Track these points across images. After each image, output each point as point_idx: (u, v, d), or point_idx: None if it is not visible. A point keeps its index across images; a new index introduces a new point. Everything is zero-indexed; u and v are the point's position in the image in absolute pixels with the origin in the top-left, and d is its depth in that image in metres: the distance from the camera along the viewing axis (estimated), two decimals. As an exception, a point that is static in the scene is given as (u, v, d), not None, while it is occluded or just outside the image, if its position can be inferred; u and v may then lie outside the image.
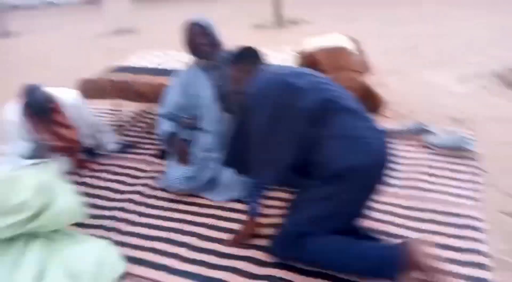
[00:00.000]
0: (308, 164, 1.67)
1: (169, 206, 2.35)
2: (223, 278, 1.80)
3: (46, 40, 7.84)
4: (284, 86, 1.66)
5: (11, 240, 1.75)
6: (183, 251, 1.98)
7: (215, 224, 2.16)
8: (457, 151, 2.56)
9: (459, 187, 2.28)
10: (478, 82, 3.82)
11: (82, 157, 2.88)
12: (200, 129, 2.50)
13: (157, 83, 2.95)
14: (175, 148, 2.41)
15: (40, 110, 2.49)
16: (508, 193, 2.25)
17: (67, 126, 2.66)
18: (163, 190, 2.49)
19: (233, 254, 1.94)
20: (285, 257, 1.77)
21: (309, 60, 2.67)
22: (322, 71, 2.62)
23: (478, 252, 1.80)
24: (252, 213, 1.89)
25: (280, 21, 7.12)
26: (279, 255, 1.79)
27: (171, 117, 2.45)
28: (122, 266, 1.88)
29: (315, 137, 1.62)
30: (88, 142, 2.91)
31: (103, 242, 1.97)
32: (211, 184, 2.39)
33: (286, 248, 1.73)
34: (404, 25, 6.27)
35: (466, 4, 7.46)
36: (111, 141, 3.04)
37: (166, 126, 2.44)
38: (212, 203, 2.34)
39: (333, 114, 1.62)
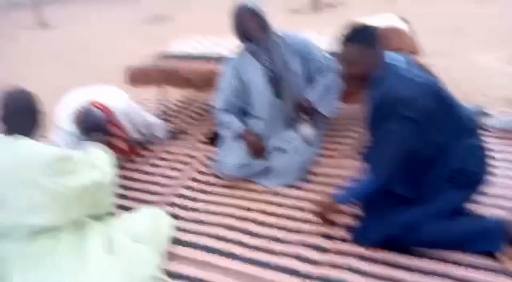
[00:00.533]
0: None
1: (224, 192, 2.38)
2: (283, 264, 1.81)
3: (85, 30, 8.00)
4: (439, 98, 1.68)
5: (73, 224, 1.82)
6: (241, 237, 2.00)
7: (270, 210, 2.17)
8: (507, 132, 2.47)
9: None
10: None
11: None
12: (252, 116, 2.51)
13: (205, 69, 2.96)
14: (250, 143, 2.39)
15: (97, 135, 2.35)
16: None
17: (122, 137, 2.61)
18: (215, 176, 2.52)
19: (290, 240, 1.95)
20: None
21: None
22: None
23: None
24: (340, 200, 1.84)
25: (317, 5, 6.98)
26: (376, 242, 1.80)
27: (228, 109, 2.47)
28: (172, 227, 2.03)
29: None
30: (138, 136, 2.92)
31: (152, 208, 2.11)
32: (265, 170, 2.39)
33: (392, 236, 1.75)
34: (448, 4, 6.01)
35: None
36: (161, 130, 3.08)
37: (236, 123, 2.44)
38: (265, 189, 2.35)
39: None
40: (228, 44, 3.38)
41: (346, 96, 2.58)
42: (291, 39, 2.41)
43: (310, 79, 2.45)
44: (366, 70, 1.69)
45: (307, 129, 2.46)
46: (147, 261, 1.77)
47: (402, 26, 2.69)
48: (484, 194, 1.96)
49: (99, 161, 1.93)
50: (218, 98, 2.51)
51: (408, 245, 1.77)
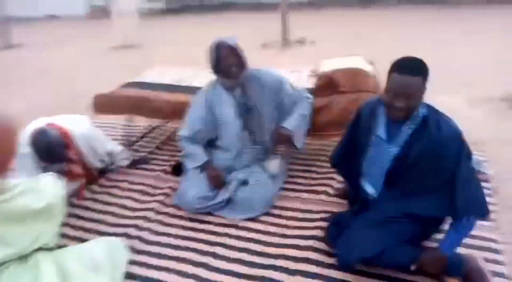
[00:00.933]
0: None
1: (184, 224, 2.34)
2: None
3: (52, 53, 7.92)
4: None
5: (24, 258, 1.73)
6: (200, 272, 1.96)
7: (231, 244, 2.15)
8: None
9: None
10: (488, 107, 3.86)
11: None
12: (220, 147, 2.53)
13: (175, 99, 2.98)
14: (210, 175, 2.42)
15: (51, 156, 2.32)
16: (521, 214, 2.26)
17: (79, 162, 2.55)
18: (176, 207, 2.49)
19: (249, 274, 1.93)
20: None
21: (328, 81, 2.69)
22: (341, 92, 2.66)
23: (499, 274, 1.80)
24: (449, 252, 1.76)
25: (286, 41, 7.22)
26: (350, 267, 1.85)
27: (194, 139, 2.49)
28: (128, 260, 1.99)
29: None
30: (98, 164, 2.86)
31: (109, 238, 2.06)
32: (227, 203, 2.39)
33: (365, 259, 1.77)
34: (411, 48, 6.33)
35: (474, 29, 7.56)
36: (123, 158, 3.04)
37: (199, 154, 2.48)
38: (226, 221, 2.34)
39: None
40: (200, 77, 3.44)
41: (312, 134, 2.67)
42: (265, 76, 2.48)
43: (285, 113, 2.51)
44: (418, 103, 1.69)
45: (275, 163, 2.50)
46: None
47: (367, 67, 2.81)
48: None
49: (46, 188, 1.81)
50: (185, 128, 2.53)
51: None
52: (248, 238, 2.19)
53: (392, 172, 1.82)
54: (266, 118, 2.47)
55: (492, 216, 2.21)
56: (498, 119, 3.57)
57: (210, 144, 2.57)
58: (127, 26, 8.12)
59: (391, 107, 1.68)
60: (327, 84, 2.70)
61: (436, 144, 1.66)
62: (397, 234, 1.78)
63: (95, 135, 2.75)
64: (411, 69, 1.62)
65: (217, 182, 2.41)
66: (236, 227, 2.29)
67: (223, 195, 2.37)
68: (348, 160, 2.06)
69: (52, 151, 2.31)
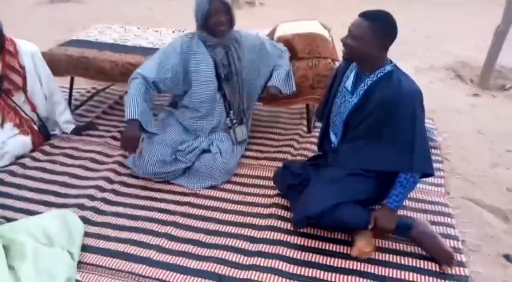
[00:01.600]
0: None
1: (141, 194, 2.24)
2: (207, 269, 1.75)
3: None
4: None
5: None
6: (162, 242, 1.89)
7: (193, 213, 2.09)
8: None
9: (426, 175, 2.38)
10: (434, 75, 4.01)
11: (37, 134, 2.67)
12: (184, 106, 2.40)
13: (122, 60, 2.77)
14: (126, 132, 2.16)
15: None
16: (467, 179, 2.41)
17: (21, 75, 2.54)
18: (132, 176, 2.36)
19: (212, 243, 1.89)
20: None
21: (286, 46, 2.61)
22: (300, 58, 2.61)
23: (451, 237, 1.91)
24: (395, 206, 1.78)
25: (236, 2, 6.96)
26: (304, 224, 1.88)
27: (153, 86, 2.27)
28: (82, 225, 1.91)
29: None
30: (42, 112, 2.72)
31: (62, 210, 1.95)
32: (185, 170, 2.30)
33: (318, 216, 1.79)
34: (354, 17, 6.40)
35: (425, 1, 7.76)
36: (67, 119, 2.84)
37: (135, 108, 2.14)
38: (185, 190, 2.27)
39: None
40: (148, 36, 3.22)
41: (269, 101, 2.63)
42: (246, 37, 2.41)
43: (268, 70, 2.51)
44: (365, 51, 1.71)
45: (240, 131, 2.44)
46: (66, 264, 1.63)
47: (323, 32, 2.76)
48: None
49: None
50: (148, 68, 2.25)
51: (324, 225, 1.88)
52: (209, 206, 2.14)
53: (351, 122, 1.87)
54: (243, 83, 2.40)
55: (441, 181, 2.35)
56: (444, 88, 3.73)
57: (172, 103, 2.45)
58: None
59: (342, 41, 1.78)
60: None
61: (394, 96, 1.70)
62: (351, 191, 1.82)
63: (41, 59, 2.68)
64: (365, 14, 1.71)
65: (129, 144, 2.16)
66: (196, 195, 2.22)
67: (183, 163, 2.27)
68: (324, 116, 2.10)
69: None
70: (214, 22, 2.19)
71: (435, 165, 2.41)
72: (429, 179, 2.33)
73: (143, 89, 2.20)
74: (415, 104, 1.69)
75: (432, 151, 2.63)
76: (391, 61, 1.79)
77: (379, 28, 1.67)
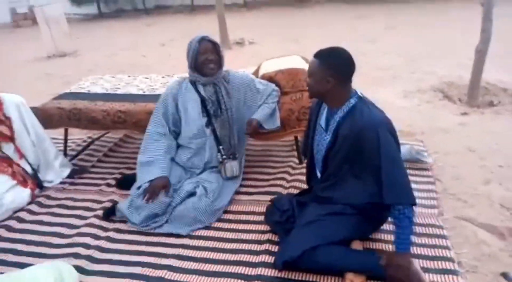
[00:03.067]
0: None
1: (135, 239, 2.24)
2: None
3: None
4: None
5: None
6: (156, 285, 1.88)
7: (187, 254, 2.08)
8: (413, 163, 2.69)
9: (419, 197, 2.37)
10: (421, 97, 4.08)
11: (32, 187, 2.72)
12: (180, 146, 2.49)
13: (113, 109, 2.84)
14: (156, 182, 2.26)
15: None
16: (460, 198, 2.40)
17: (7, 124, 2.67)
18: (125, 221, 2.38)
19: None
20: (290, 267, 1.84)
21: (270, 82, 2.69)
22: (284, 93, 2.68)
23: (447, 259, 1.88)
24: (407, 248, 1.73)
25: (226, 42, 7.19)
26: (286, 267, 1.83)
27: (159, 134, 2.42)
28: (76, 275, 1.90)
29: None
30: (31, 159, 2.79)
31: (55, 262, 1.94)
32: (174, 218, 2.29)
33: (298, 260, 1.77)
34: (343, 45, 6.57)
35: (399, 24, 7.98)
36: (62, 163, 2.93)
37: (157, 165, 2.33)
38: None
39: None
40: (139, 83, 3.32)
41: (260, 135, 2.68)
42: (235, 77, 2.52)
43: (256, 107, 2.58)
44: (321, 89, 1.79)
45: (231, 166, 2.46)
46: None
47: (306, 66, 2.84)
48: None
49: None
50: (156, 122, 2.44)
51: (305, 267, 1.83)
52: (203, 246, 2.13)
53: (329, 159, 1.90)
54: (233, 119, 2.47)
55: (435, 202, 2.34)
56: (433, 109, 3.78)
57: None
58: (57, 33, 7.66)
59: None
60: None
61: (356, 130, 1.73)
62: (329, 232, 1.80)
63: (26, 108, 2.79)
64: (317, 53, 1.81)
65: (156, 192, 2.24)
66: (190, 236, 2.22)
67: (166, 215, 2.28)
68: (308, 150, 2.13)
69: None
70: (203, 60, 2.32)
71: (427, 187, 2.49)
72: (422, 201, 2.34)
73: (165, 146, 2.39)
74: (378, 134, 1.69)
75: (424, 172, 2.66)
76: (356, 93, 1.82)
77: (329, 64, 1.75)
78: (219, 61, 2.38)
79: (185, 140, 2.45)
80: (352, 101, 1.79)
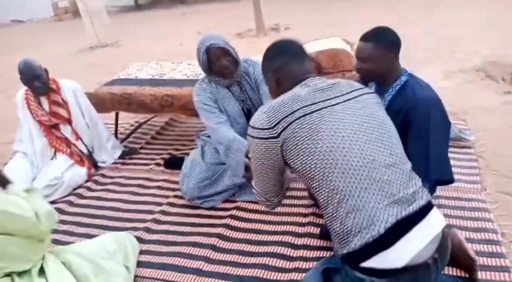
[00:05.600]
0: None
1: (187, 212, 2.40)
2: (251, 274, 1.86)
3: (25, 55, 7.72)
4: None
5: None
6: (209, 253, 2.03)
7: (237, 225, 2.22)
8: (456, 141, 2.70)
9: (462, 173, 2.41)
10: (463, 77, 4.02)
11: (89, 166, 2.94)
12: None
13: (160, 93, 3.00)
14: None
15: (31, 70, 2.71)
16: (503, 174, 2.40)
17: (65, 107, 2.89)
18: (177, 196, 2.54)
19: (257, 251, 2.01)
20: None
21: (312, 63, 2.75)
22: (325, 73, 2.74)
23: (490, 230, 1.93)
24: None
25: (261, 29, 7.25)
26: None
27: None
28: (137, 244, 2.07)
29: None
30: (86, 140, 2.99)
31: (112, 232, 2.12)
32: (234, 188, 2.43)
33: None
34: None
35: (438, 3, 7.77)
36: (114, 144, 3.15)
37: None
38: (227, 205, 2.40)
39: None
40: (182, 69, 3.46)
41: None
42: (253, 67, 2.45)
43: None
44: (380, 69, 1.81)
45: None
46: (122, 276, 1.78)
47: (346, 47, 2.90)
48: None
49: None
50: (208, 118, 2.34)
51: None
52: (250, 219, 2.26)
53: None
54: None
55: (477, 178, 2.37)
56: (475, 89, 3.73)
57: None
58: (99, 25, 7.98)
59: (355, 69, 1.87)
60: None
61: (408, 106, 1.76)
62: None
63: (82, 93, 3.03)
64: (365, 36, 1.80)
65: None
66: (238, 208, 2.35)
67: (223, 185, 2.40)
68: None
69: (33, 67, 2.72)
70: (218, 67, 2.27)
71: (470, 164, 2.51)
72: (465, 177, 2.37)
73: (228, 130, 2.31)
74: (429, 111, 1.73)
75: (466, 150, 2.67)
76: (405, 70, 1.86)
77: (382, 44, 1.77)
78: (234, 61, 2.30)
79: None
80: (403, 78, 1.83)
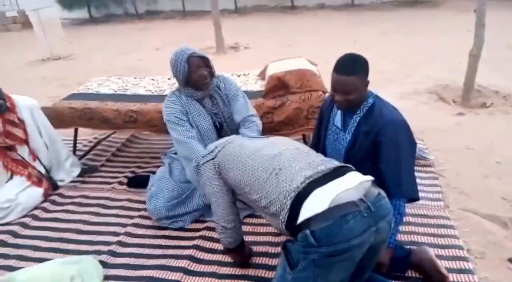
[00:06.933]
0: None
1: (154, 233, 2.30)
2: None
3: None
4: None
5: None
6: (182, 277, 1.94)
7: (206, 246, 2.15)
8: (417, 159, 2.80)
9: (425, 191, 2.50)
10: (418, 98, 4.23)
11: (47, 187, 2.76)
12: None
13: (125, 108, 2.90)
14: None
15: None
16: (463, 192, 2.52)
17: (21, 127, 2.71)
18: (142, 217, 2.44)
19: (235, 273, 1.95)
20: None
21: (279, 83, 2.77)
22: (292, 92, 2.77)
23: (456, 246, 2.00)
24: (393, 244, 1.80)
25: (221, 47, 7.28)
26: None
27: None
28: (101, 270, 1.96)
29: None
30: (44, 160, 2.83)
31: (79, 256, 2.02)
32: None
33: None
34: (339, 49, 6.71)
35: (391, 30, 8.20)
36: (73, 162, 3.00)
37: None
38: (196, 226, 2.33)
39: None
40: (146, 84, 3.38)
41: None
42: (225, 83, 2.45)
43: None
44: (363, 97, 1.86)
45: None
46: None
47: (312, 68, 2.96)
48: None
49: None
50: (178, 131, 2.28)
51: None
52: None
53: (350, 158, 1.93)
54: (232, 128, 2.44)
55: (440, 196, 2.46)
56: (430, 109, 3.93)
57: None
58: (51, 37, 7.66)
59: (334, 101, 1.89)
60: (278, 86, 2.78)
61: (377, 127, 1.81)
62: None
63: (39, 111, 2.85)
64: (346, 69, 1.79)
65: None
66: (207, 228, 2.29)
67: (193, 205, 2.35)
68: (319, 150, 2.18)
69: None
70: (197, 78, 2.25)
71: (432, 182, 2.61)
72: (429, 195, 2.46)
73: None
74: (397, 132, 1.79)
75: (427, 168, 2.78)
76: (372, 93, 1.91)
77: (362, 74, 1.81)
78: (211, 72, 2.33)
79: None
80: (370, 100, 1.88)
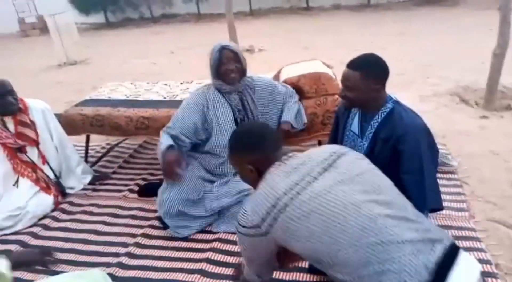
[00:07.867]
0: None
1: (164, 244, 2.23)
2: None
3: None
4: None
5: None
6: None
7: (218, 259, 2.07)
8: (439, 166, 2.67)
9: (449, 200, 2.36)
10: (438, 101, 4.07)
11: (56, 194, 2.73)
12: (206, 152, 2.43)
13: (136, 115, 2.85)
14: (166, 158, 2.15)
15: (6, 89, 2.54)
16: (489, 201, 2.38)
17: (32, 128, 2.69)
18: (152, 227, 2.37)
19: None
20: None
21: (294, 87, 2.69)
22: (307, 97, 2.68)
23: (484, 261, 1.86)
24: None
25: (236, 50, 7.21)
26: None
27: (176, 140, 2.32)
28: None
29: None
30: (54, 165, 2.80)
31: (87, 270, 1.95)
32: (222, 214, 2.33)
33: None
34: (356, 51, 6.57)
35: (408, 31, 8.01)
36: (84, 169, 2.97)
37: (164, 141, 2.24)
38: (208, 237, 2.25)
39: None
40: (158, 89, 3.33)
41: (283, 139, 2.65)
42: (259, 82, 2.47)
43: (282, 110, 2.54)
44: (365, 98, 1.76)
45: None
46: None
47: (328, 71, 2.85)
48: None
49: None
50: (172, 126, 2.34)
51: None
52: (231, 251, 2.12)
53: None
54: None
55: (464, 205, 2.33)
56: (451, 112, 3.78)
57: (195, 148, 2.46)
58: (68, 42, 7.73)
59: (340, 96, 1.84)
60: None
61: (397, 134, 1.71)
62: None
63: (51, 114, 2.84)
64: (353, 63, 1.75)
65: (171, 169, 2.15)
66: (219, 240, 2.21)
67: (206, 208, 2.28)
68: None
69: (2, 81, 2.54)
70: (225, 70, 2.28)
71: (455, 190, 2.48)
72: (453, 204, 2.33)
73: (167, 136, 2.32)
74: (418, 140, 1.69)
75: (450, 176, 2.65)
76: (390, 97, 1.81)
77: (370, 73, 1.72)
78: (241, 70, 2.34)
79: (216, 149, 2.37)
80: (389, 105, 1.78)
